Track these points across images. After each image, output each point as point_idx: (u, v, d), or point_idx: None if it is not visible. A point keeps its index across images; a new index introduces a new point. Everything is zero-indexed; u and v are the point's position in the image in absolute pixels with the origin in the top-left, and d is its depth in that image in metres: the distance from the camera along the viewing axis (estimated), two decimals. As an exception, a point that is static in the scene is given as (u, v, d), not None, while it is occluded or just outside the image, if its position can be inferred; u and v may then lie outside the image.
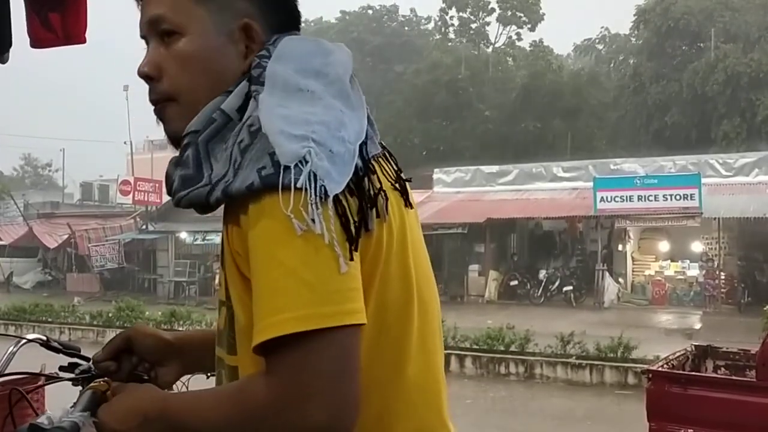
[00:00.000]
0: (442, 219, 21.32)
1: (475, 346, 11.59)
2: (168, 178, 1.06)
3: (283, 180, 0.90)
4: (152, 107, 1.12)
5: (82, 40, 2.35)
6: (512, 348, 11.39)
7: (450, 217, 21.70)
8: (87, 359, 1.71)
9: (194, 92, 1.06)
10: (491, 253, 22.71)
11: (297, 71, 1.00)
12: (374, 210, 0.98)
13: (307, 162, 0.91)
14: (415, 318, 1.07)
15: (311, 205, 0.90)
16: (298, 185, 0.90)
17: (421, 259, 1.12)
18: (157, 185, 29.25)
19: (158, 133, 1.17)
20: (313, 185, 0.90)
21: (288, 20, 1.13)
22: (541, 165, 24.27)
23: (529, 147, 30.81)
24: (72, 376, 1.67)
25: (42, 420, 1.07)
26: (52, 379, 1.73)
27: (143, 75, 1.09)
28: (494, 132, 33.38)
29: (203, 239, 26.36)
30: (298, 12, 1.15)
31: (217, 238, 26.12)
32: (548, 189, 22.86)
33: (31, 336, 2.14)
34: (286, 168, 0.90)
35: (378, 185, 1.01)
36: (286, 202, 0.90)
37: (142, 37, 1.11)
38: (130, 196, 28.35)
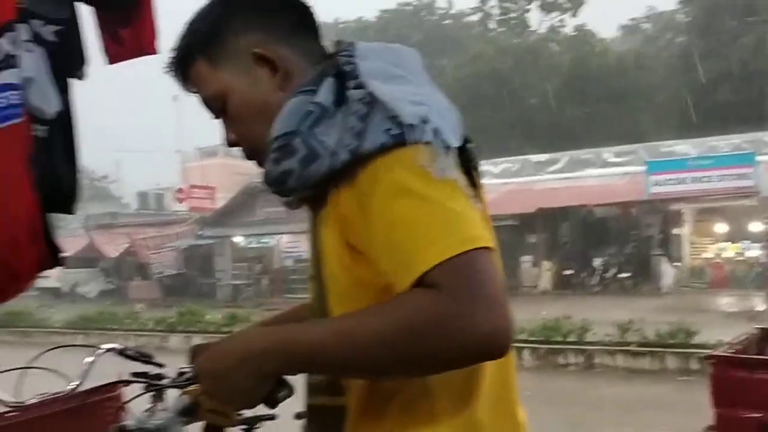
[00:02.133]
0: (492, 211, 20.28)
1: (531, 338, 11.49)
2: (268, 174, 1.10)
3: (412, 136, 0.99)
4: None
5: (152, 51, 2.44)
6: (570, 338, 11.26)
7: (499, 208, 21.46)
8: (160, 365, 1.78)
9: (258, 134, 1.14)
10: (544, 243, 22.48)
11: (385, 64, 1.09)
12: (474, 176, 1.09)
13: (428, 121, 1.00)
14: None
15: (440, 156, 0.99)
16: (426, 139, 0.99)
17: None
18: (210, 191, 29.79)
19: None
20: (438, 139, 1.00)
21: (298, 19, 1.18)
22: (590, 151, 23.91)
23: (577, 133, 30.34)
24: (159, 383, 1.74)
25: (129, 422, 1.13)
26: (154, 384, 1.78)
27: (230, 145, 1.22)
28: (540, 120, 32.97)
29: (258, 242, 26.74)
30: (298, 4, 1.19)
31: (271, 241, 26.53)
32: (599, 175, 22.49)
33: (107, 346, 2.24)
34: (410, 126, 0.99)
35: (473, 156, 1.11)
36: (418, 155, 0.98)
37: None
38: (185, 203, 28.93)
